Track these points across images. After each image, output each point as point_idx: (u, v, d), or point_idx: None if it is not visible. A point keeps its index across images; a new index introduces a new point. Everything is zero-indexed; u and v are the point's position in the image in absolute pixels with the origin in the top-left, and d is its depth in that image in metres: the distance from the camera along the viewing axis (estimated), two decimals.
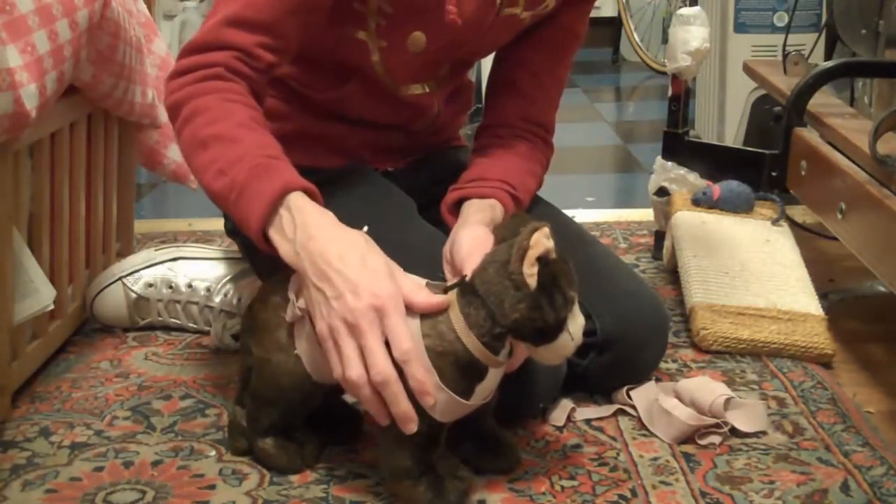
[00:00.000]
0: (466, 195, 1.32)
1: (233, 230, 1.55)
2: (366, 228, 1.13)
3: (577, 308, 1.07)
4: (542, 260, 1.03)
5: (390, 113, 1.43)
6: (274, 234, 1.11)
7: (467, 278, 1.07)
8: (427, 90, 1.41)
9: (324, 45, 1.34)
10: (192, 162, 1.18)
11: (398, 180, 1.47)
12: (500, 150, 1.41)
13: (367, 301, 1.03)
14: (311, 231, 1.09)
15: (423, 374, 1.03)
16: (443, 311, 1.06)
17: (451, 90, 1.48)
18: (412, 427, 1.04)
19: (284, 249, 1.10)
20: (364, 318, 1.03)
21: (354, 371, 1.03)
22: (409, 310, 1.06)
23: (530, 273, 1.02)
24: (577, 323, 1.07)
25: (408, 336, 1.04)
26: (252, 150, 1.14)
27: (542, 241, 1.02)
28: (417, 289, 1.07)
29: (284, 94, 1.40)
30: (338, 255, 1.06)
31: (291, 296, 1.12)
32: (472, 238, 1.17)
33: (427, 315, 1.06)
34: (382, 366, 1.03)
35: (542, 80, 1.44)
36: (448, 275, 1.19)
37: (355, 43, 1.32)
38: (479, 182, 1.34)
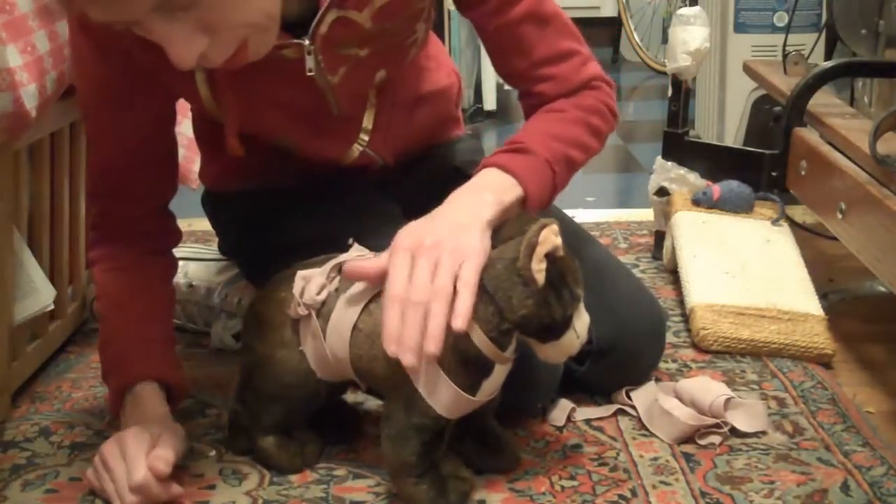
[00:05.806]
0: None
1: (228, 251, 1.56)
2: (351, 241, 1.14)
3: (582, 306, 1.07)
4: (550, 257, 1.03)
5: (344, 166, 1.37)
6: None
7: None
8: (363, 146, 1.33)
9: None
10: None
11: (386, 186, 1.44)
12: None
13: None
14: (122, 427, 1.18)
15: None
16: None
17: (394, 114, 1.36)
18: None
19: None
20: None
21: None
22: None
23: (538, 269, 1.02)
24: (582, 321, 1.07)
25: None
26: (114, 332, 1.26)
27: (550, 237, 1.02)
28: None
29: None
30: (107, 455, 1.13)
31: (296, 293, 1.12)
32: None
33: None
34: None
35: (541, 71, 1.35)
36: None
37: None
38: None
